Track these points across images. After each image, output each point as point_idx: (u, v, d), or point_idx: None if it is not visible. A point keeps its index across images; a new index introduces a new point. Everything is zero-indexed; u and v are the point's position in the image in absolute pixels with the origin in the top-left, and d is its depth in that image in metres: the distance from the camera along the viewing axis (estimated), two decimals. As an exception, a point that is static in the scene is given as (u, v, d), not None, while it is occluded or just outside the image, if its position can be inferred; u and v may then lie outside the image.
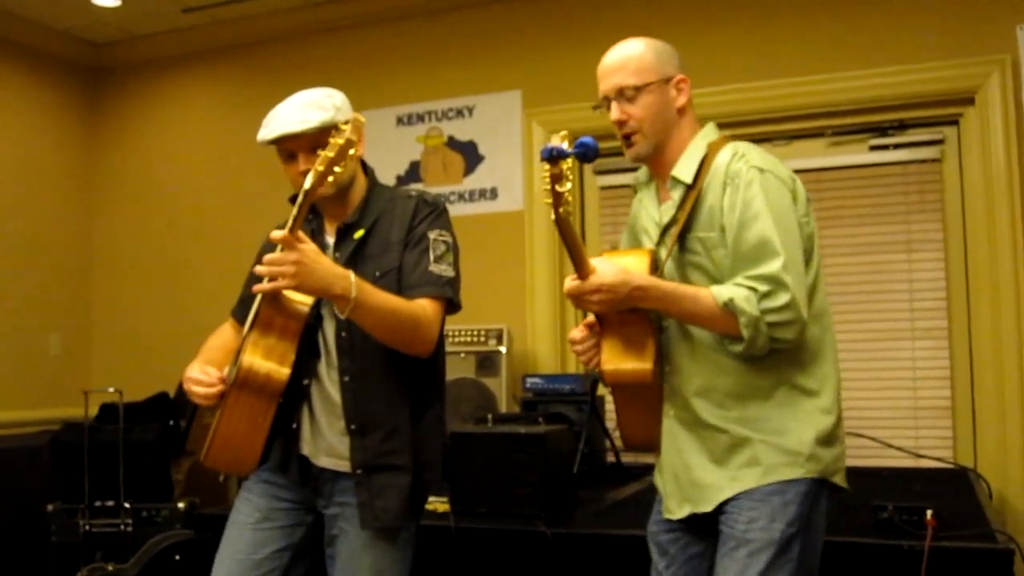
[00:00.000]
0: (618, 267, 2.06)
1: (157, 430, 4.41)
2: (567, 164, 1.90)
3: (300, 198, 2.13)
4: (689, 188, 2.17)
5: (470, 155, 5.16)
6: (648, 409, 2.28)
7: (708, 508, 2.16)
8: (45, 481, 4.50)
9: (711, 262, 2.14)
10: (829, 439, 2.14)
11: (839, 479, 2.18)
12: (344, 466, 2.40)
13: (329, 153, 2.08)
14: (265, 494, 2.49)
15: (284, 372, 2.31)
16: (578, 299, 2.07)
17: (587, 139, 1.95)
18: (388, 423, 2.39)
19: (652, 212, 2.30)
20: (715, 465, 2.16)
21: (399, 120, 5.32)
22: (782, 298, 2.00)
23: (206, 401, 2.38)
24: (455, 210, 5.06)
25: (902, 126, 4.44)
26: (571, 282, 2.06)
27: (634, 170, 4.94)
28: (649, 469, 4.33)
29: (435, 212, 2.48)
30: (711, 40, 4.66)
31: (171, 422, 4.55)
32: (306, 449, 2.44)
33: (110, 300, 5.95)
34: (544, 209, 4.93)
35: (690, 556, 2.26)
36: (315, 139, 2.33)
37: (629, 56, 2.27)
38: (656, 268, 2.18)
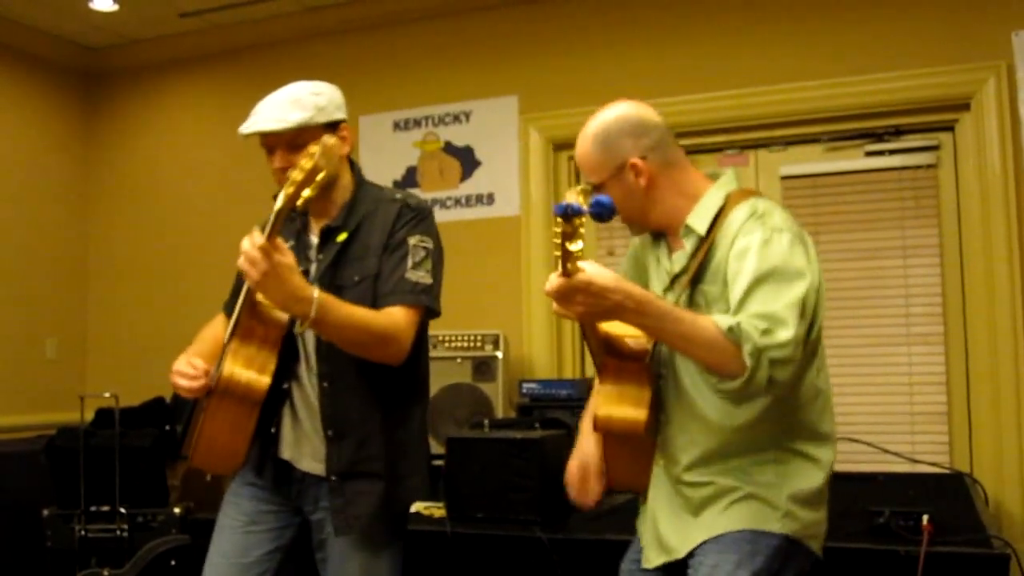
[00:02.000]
0: (612, 273, 1.90)
1: (153, 435, 4.40)
2: (580, 221, 1.73)
3: (272, 216, 2.11)
4: (702, 239, 2.12)
5: (467, 160, 5.17)
6: (637, 456, 2.22)
7: (680, 554, 2.13)
8: (41, 486, 4.48)
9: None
10: (811, 500, 2.09)
11: (815, 546, 2.13)
12: (323, 470, 2.40)
13: (298, 176, 2.05)
14: (252, 497, 2.49)
15: (264, 381, 2.31)
16: (561, 297, 1.85)
17: (604, 198, 1.79)
18: (363, 430, 2.39)
19: (664, 262, 2.25)
20: (690, 515, 2.13)
21: (396, 125, 5.32)
22: (783, 335, 1.87)
23: (190, 394, 2.38)
24: (451, 215, 5.07)
25: (898, 132, 4.44)
26: (556, 278, 1.84)
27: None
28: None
29: (417, 217, 2.46)
30: (707, 47, 4.67)
31: (167, 427, 4.53)
32: (287, 453, 2.43)
33: (106, 305, 5.94)
34: (541, 214, 4.96)
35: None
36: (292, 138, 2.36)
37: (582, 155, 2.21)
38: None
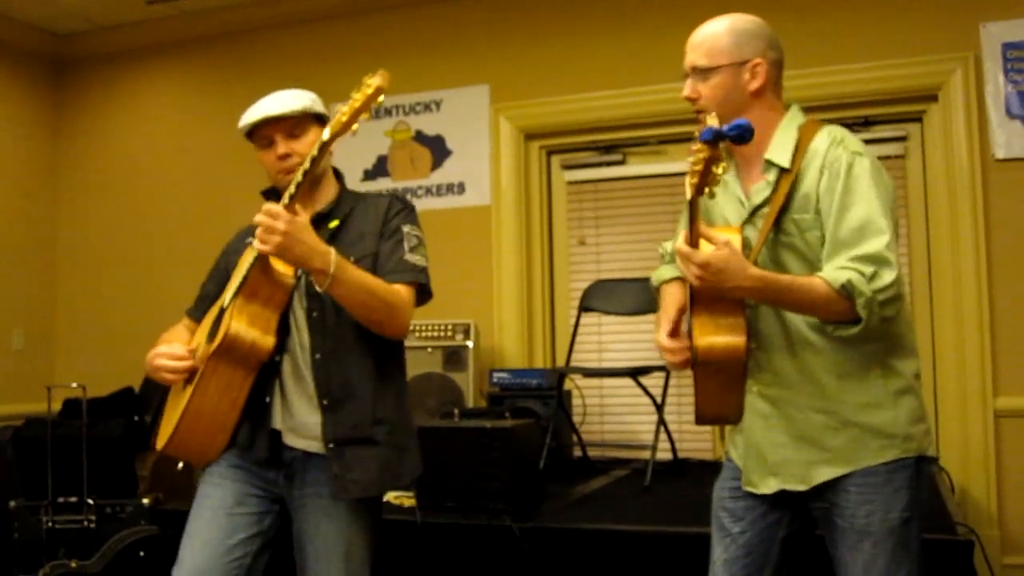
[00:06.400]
0: (737, 256, 1.99)
1: (121, 425, 4.36)
2: (722, 145, 1.85)
3: (293, 185, 2.22)
4: (785, 171, 2.17)
5: (438, 149, 5.16)
6: (728, 385, 2.23)
7: (803, 487, 2.16)
8: (7, 477, 4.44)
9: (804, 243, 2.13)
10: (920, 416, 2.16)
11: (932, 451, 2.20)
12: (315, 446, 2.40)
13: (351, 107, 2.14)
14: (238, 479, 2.47)
15: (269, 341, 2.34)
16: (683, 262, 2.01)
17: (743, 121, 1.87)
18: (360, 399, 2.41)
19: (736, 192, 2.27)
20: (806, 444, 2.16)
21: (366, 114, 5.29)
22: (887, 276, 1.98)
23: (174, 376, 2.39)
24: (422, 205, 5.05)
25: (867, 122, 4.47)
26: (682, 243, 1.99)
27: (600, 165, 4.99)
28: (615, 463, 4.38)
29: (407, 209, 2.55)
30: (678, 37, 4.62)
31: (136, 417, 4.50)
32: (278, 423, 2.43)
33: (74, 294, 5.89)
34: (511, 203, 4.97)
35: (768, 524, 2.26)
36: (295, 124, 2.44)
37: (706, 36, 2.31)
38: (744, 248, 2.15)
